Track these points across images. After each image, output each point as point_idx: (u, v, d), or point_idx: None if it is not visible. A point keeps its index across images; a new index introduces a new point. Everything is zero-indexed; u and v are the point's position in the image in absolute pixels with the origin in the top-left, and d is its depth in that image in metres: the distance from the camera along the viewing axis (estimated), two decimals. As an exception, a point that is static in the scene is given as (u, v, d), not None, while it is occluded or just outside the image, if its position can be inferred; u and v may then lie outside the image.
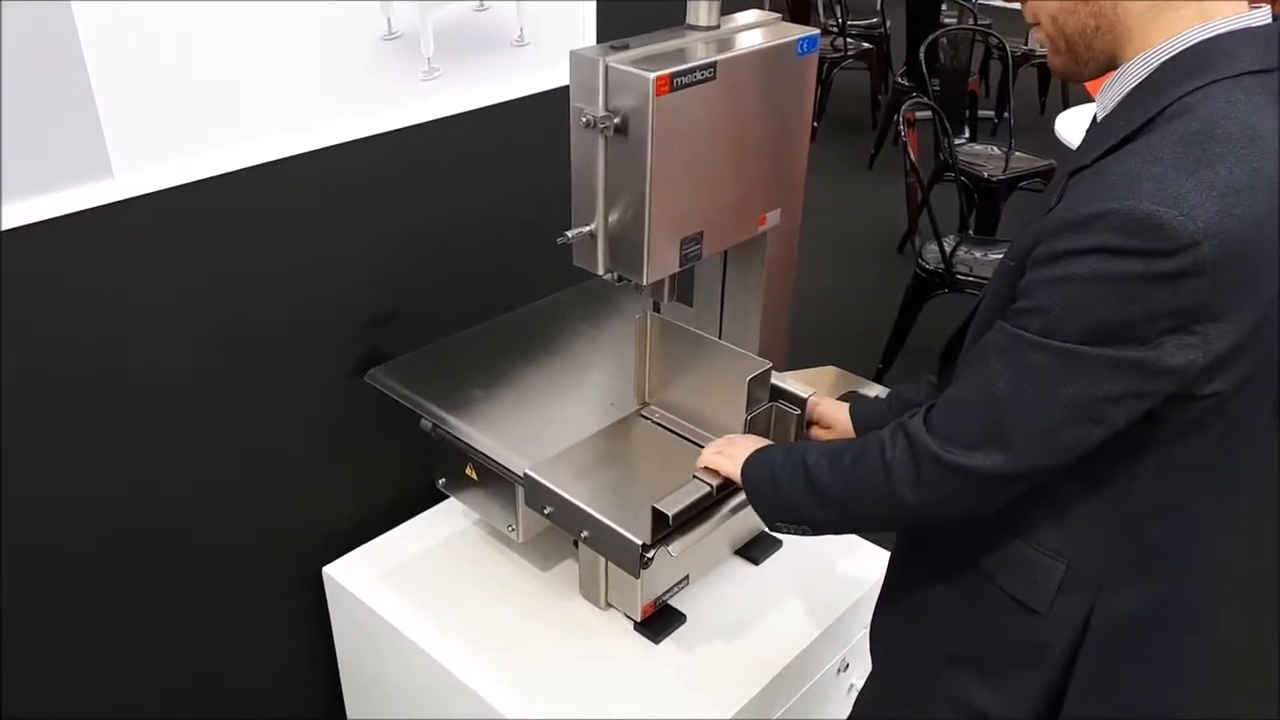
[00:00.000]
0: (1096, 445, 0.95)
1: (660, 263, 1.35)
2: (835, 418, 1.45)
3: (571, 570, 1.64)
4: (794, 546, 1.72)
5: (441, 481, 1.63)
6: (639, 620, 1.55)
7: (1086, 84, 1.11)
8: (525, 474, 1.42)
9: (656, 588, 1.55)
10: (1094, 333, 0.90)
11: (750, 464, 1.23)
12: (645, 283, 1.35)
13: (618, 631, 1.56)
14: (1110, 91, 1.00)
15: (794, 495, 1.15)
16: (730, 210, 1.43)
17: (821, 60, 5.59)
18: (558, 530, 1.47)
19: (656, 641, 1.54)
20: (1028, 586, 1.08)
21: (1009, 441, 0.95)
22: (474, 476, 1.55)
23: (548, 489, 1.40)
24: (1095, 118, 1.05)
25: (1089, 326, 0.90)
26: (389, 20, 1.54)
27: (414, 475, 1.74)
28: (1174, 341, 0.89)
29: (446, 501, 1.79)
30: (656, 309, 1.58)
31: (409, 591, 1.64)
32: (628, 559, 1.32)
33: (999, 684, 1.14)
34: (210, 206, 1.44)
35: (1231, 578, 1.16)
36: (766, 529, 1.21)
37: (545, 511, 1.41)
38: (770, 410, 1.49)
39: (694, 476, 1.33)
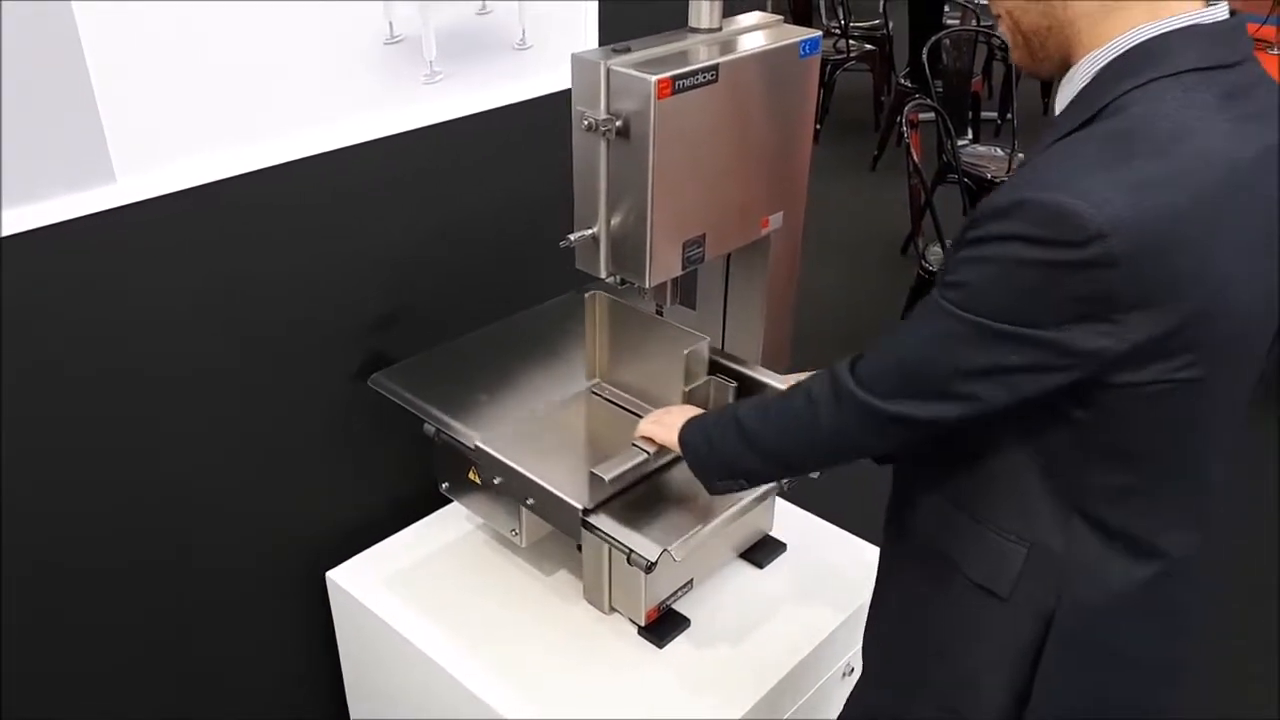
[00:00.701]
0: (1006, 407, 0.99)
1: (663, 266, 1.35)
2: None
3: (575, 575, 1.64)
4: (799, 549, 1.72)
5: (445, 486, 1.63)
6: (643, 624, 1.54)
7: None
8: (475, 446, 1.48)
9: (660, 592, 1.54)
10: (1006, 312, 0.94)
11: (686, 429, 1.29)
12: (648, 286, 1.35)
13: (621, 636, 1.55)
14: (1065, 90, 1.03)
15: (728, 447, 1.22)
16: (733, 213, 1.42)
17: (824, 62, 5.59)
18: (561, 535, 1.47)
19: (660, 646, 1.54)
20: (990, 571, 1.10)
21: (918, 394, 1.02)
22: (477, 481, 1.55)
23: (496, 459, 1.45)
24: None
25: (1002, 306, 0.95)
26: (391, 24, 1.54)
27: (417, 479, 1.74)
28: (1086, 328, 0.92)
29: (449, 506, 1.79)
30: (659, 312, 1.58)
31: (412, 596, 1.64)
32: (569, 523, 1.38)
33: (971, 677, 1.15)
34: (213, 210, 1.44)
35: (1215, 576, 1.15)
36: (707, 491, 1.29)
37: (495, 482, 1.47)
38: (709, 384, 1.54)
39: (632, 445, 1.39)
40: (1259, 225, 0.95)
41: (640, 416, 1.45)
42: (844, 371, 1.08)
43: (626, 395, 1.65)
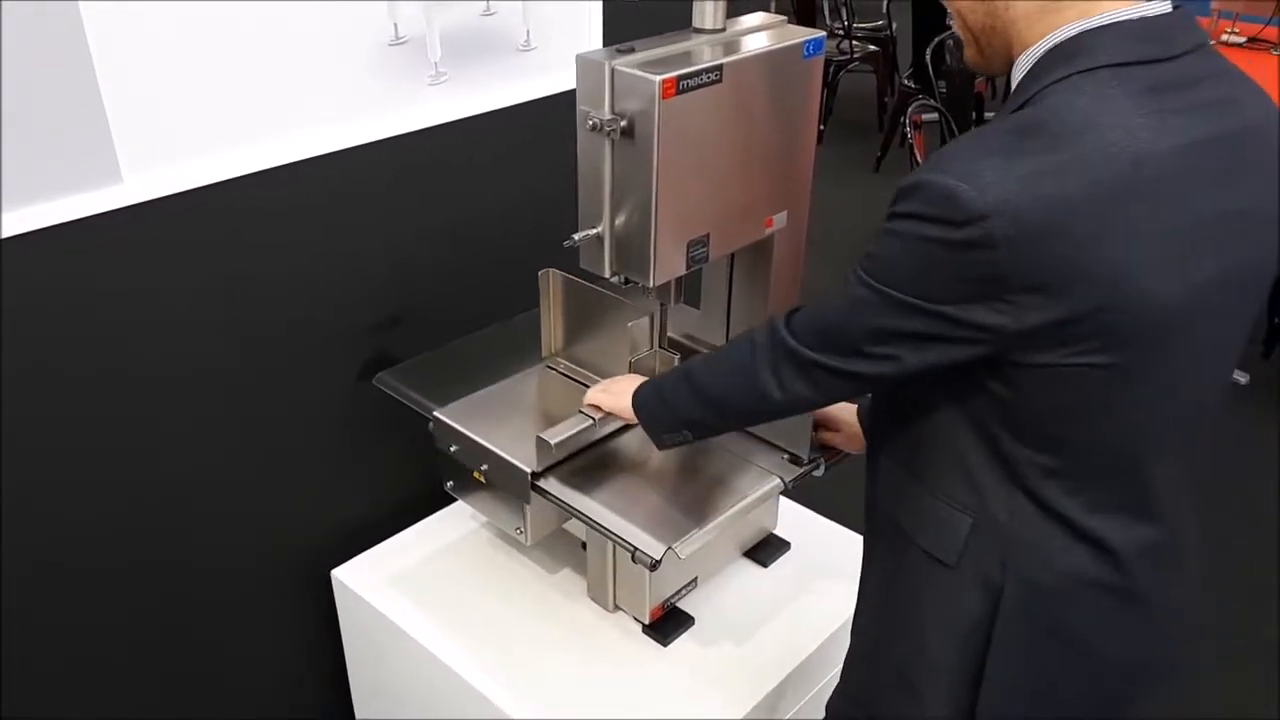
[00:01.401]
0: (917, 370, 1.04)
1: (667, 265, 1.35)
2: (842, 419, 1.46)
3: (579, 573, 1.64)
4: (803, 548, 1.72)
5: (449, 484, 1.64)
6: (647, 622, 1.55)
7: None
8: (434, 415, 1.54)
9: (665, 590, 1.55)
10: (908, 285, 1.00)
11: (640, 390, 1.36)
12: (652, 285, 1.36)
13: (626, 634, 1.56)
14: (1013, 88, 1.05)
15: (678, 400, 1.29)
16: (737, 213, 1.43)
17: (827, 63, 5.59)
18: (566, 533, 1.48)
19: (665, 644, 1.54)
20: (938, 539, 1.13)
21: (837, 350, 1.09)
22: (482, 479, 1.56)
23: (452, 428, 1.52)
24: None
25: (904, 278, 1.01)
26: (395, 25, 1.55)
27: (422, 478, 1.75)
28: (982, 306, 0.97)
29: (454, 504, 1.80)
30: (663, 311, 1.58)
31: (417, 594, 1.65)
32: (519, 487, 1.45)
33: (922, 646, 1.17)
34: (219, 211, 1.45)
35: (1189, 581, 1.15)
36: (656, 447, 1.35)
37: (451, 450, 1.54)
38: (654, 355, 1.61)
39: (579, 412, 1.45)
40: (1177, 217, 0.96)
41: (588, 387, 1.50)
42: (780, 320, 1.15)
43: (580, 370, 1.71)
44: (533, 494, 1.45)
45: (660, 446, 1.35)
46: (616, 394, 1.40)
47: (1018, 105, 1.00)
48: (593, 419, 1.44)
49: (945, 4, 1.11)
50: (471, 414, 1.56)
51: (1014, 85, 1.04)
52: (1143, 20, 0.98)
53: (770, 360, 1.15)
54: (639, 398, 1.35)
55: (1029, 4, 1.01)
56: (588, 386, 1.49)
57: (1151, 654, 1.15)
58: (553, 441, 1.42)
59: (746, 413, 1.27)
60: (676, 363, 1.57)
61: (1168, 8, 0.99)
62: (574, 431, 1.43)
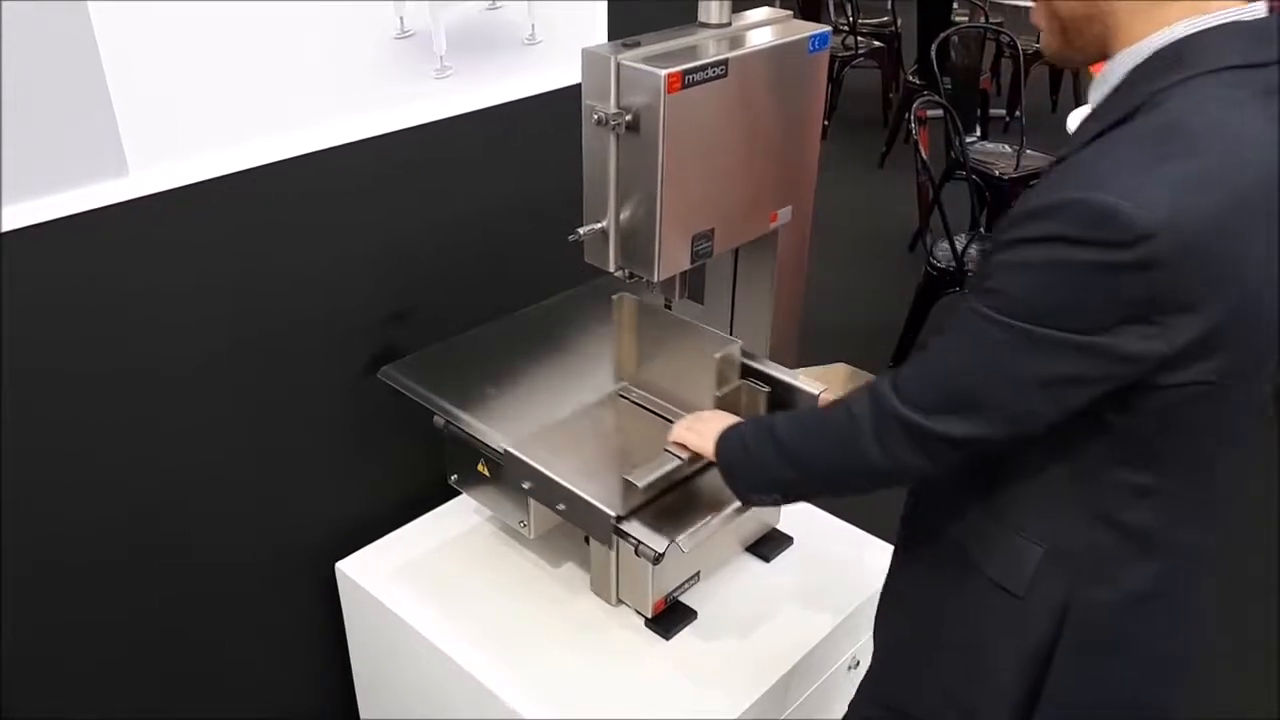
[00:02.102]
0: (1052, 422, 0.97)
1: (671, 259, 1.36)
2: None
3: (583, 566, 1.65)
4: (805, 543, 1.72)
5: (454, 478, 1.64)
6: (650, 616, 1.55)
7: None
8: (504, 450, 1.45)
9: (667, 584, 1.55)
10: (1050, 316, 0.92)
11: (723, 439, 1.26)
12: (656, 279, 1.36)
13: (628, 627, 1.56)
14: (1102, 85, 1.01)
15: (765, 460, 1.19)
16: (741, 207, 1.43)
17: (832, 59, 5.58)
18: (569, 526, 1.48)
19: (667, 638, 1.54)
20: (1007, 570, 1.10)
21: (966, 410, 0.99)
22: (486, 473, 1.56)
23: (526, 464, 1.42)
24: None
25: (1045, 310, 0.92)
26: (401, 19, 1.55)
27: (426, 471, 1.75)
28: (1132, 331, 0.91)
29: (459, 498, 1.80)
30: (668, 306, 1.58)
31: (421, 588, 1.65)
32: (601, 530, 1.36)
33: (983, 670, 1.15)
34: (225, 203, 1.45)
35: (1225, 575, 1.16)
36: (740, 501, 1.27)
37: (525, 486, 1.44)
38: (739, 389, 1.52)
39: (664, 450, 1.35)
40: None
41: (668, 420, 1.44)
42: (885, 387, 1.05)
43: (655, 399, 1.61)
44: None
45: (745, 503, 1.26)
46: (704, 434, 1.29)
47: (1131, 109, 0.94)
48: (680, 458, 1.34)
49: None
50: (547, 449, 1.45)
51: (1108, 83, 0.99)
52: (1253, 23, 0.94)
53: (875, 430, 1.05)
54: (722, 450, 1.25)
55: None
56: (665, 419, 1.44)
57: (1191, 652, 1.15)
58: (641, 484, 1.33)
59: (846, 486, 1.15)
60: (764, 398, 1.50)
61: (1264, 10, 0.96)
62: (662, 473, 1.34)
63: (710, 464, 1.30)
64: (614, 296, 1.57)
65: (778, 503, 1.23)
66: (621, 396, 1.64)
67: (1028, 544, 1.08)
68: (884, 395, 1.05)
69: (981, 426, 0.99)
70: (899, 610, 1.29)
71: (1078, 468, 1.03)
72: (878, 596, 1.58)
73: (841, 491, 1.18)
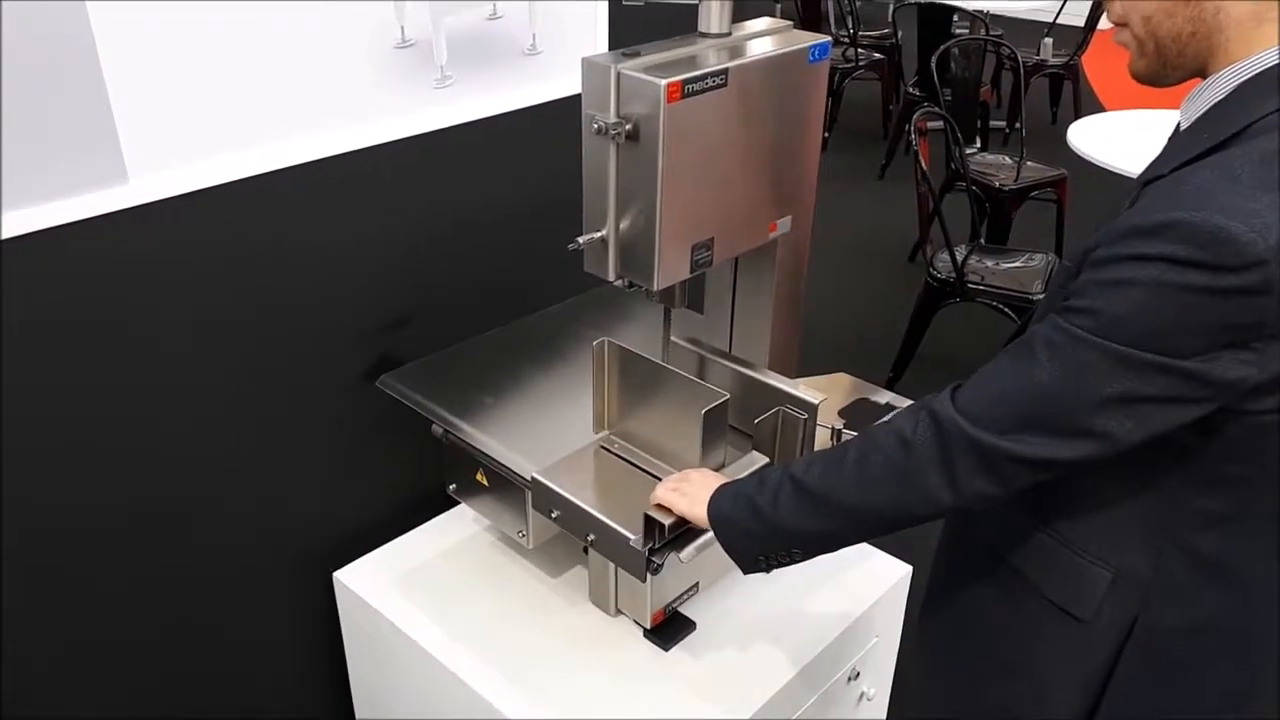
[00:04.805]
0: (1133, 445, 0.94)
1: (671, 269, 1.36)
2: None
3: (581, 577, 1.64)
4: (804, 554, 1.72)
5: (452, 487, 1.64)
6: (649, 627, 1.55)
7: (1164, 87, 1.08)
8: (532, 478, 1.43)
9: (666, 595, 1.54)
10: (1147, 338, 0.89)
11: (719, 501, 1.19)
12: (656, 289, 1.36)
13: (627, 638, 1.56)
14: (1196, 101, 0.98)
15: (783, 515, 1.11)
16: (741, 217, 1.43)
17: (833, 71, 5.60)
18: (568, 536, 1.47)
19: (666, 649, 1.54)
20: (1072, 593, 1.07)
21: (1046, 430, 0.95)
22: (485, 482, 1.56)
23: (555, 493, 1.40)
24: (1178, 126, 1.03)
25: (1143, 332, 0.89)
26: (402, 28, 1.55)
27: (425, 480, 1.74)
28: (1230, 356, 0.88)
29: (457, 507, 1.80)
30: (668, 315, 1.58)
31: (419, 597, 1.64)
32: (633, 563, 1.33)
33: (1041, 694, 1.13)
34: (224, 212, 1.45)
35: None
36: (741, 571, 1.19)
37: (552, 515, 1.42)
38: (777, 415, 1.45)
39: (645, 516, 1.29)
40: None
41: (653, 475, 1.38)
42: (945, 406, 1.00)
43: (639, 453, 1.50)
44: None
45: (747, 571, 1.18)
46: (691, 496, 1.23)
47: (1237, 129, 0.91)
48: (662, 524, 1.27)
49: (1114, 14, 1.00)
50: (575, 477, 1.42)
51: (1205, 100, 0.97)
52: None
53: (941, 456, 0.99)
54: (720, 514, 1.17)
55: (1244, 10, 0.92)
56: (648, 473, 1.38)
57: (1256, 685, 1.10)
58: (667, 523, 1.28)
59: (898, 522, 1.06)
60: (804, 424, 1.39)
61: None
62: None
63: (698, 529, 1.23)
64: (594, 343, 1.48)
65: (795, 561, 1.13)
66: (603, 448, 1.52)
67: (1093, 567, 1.05)
68: (949, 418, 0.99)
69: (1059, 448, 0.95)
70: (946, 631, 1.26)
71: (1149, 491, 1.01)
72: (879, 608, 1.57)
73: (888, 532, 1.10)
